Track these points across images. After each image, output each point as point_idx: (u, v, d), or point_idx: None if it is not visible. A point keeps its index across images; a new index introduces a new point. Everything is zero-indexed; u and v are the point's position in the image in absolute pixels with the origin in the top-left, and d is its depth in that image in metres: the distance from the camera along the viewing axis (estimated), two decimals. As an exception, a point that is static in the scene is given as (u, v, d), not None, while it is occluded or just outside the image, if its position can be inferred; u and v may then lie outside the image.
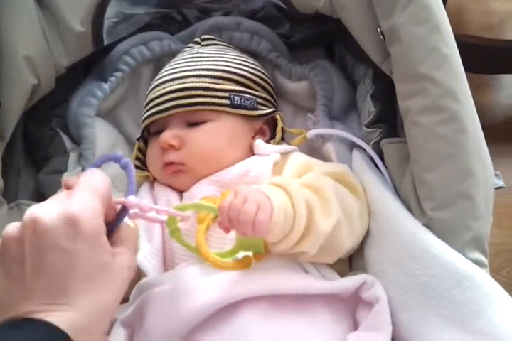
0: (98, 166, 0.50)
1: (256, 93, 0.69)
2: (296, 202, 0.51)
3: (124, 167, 0.48)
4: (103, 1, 0.68)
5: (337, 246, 0.55)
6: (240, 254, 0.53)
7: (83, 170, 0.70)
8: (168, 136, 0.63)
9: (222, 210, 0.49)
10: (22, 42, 0.64)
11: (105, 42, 0.72)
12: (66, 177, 0.64)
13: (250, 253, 0.53)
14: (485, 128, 0.52)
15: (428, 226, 0.50)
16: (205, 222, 0.56)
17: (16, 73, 0.64)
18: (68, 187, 0.43)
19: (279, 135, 0.68)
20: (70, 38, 0.68)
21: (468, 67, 0.53)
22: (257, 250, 0.53)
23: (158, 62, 0.77)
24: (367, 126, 0.64)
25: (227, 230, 0.51)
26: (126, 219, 0.45)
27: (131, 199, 0.44)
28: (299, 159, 0.64)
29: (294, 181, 0.57)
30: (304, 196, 0.52)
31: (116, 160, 0.49)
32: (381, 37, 0.57)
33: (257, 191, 0.51)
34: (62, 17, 0.67)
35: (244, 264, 0.52)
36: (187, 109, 0.65)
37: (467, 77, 0.52)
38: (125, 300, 0.60)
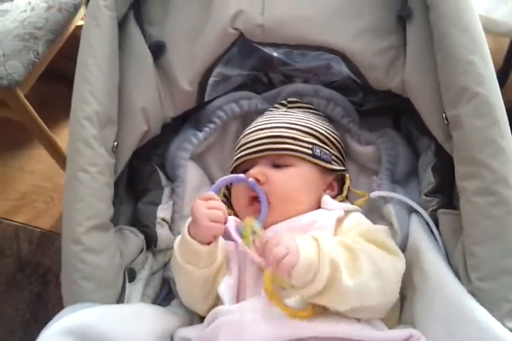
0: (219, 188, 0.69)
1: (331, 150, 0.80)
2: (322, 259, 0.56)
3: (252, 186, 0.67)
4: (210, 68, 0.81)
5: (367, 304, 0.59)
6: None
7: (174, 203, 0.82)
8: (256, 171, 0.74)
9: (260, 245, 0.58)
10: (140, 96, 0.78)
11: (206, 98, 0.85)
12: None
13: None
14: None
15: (472, 293, 0.57)
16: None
17: (133, 121, 0.77)
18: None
19: (345, 192, 0.78)
20: (178, 95, 0.82)
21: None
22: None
23: (245, 117, 0.90)
24: (426, 195, 0.72)
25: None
26: None
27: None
28: (356, 219, 0.72)
29: (334, 239, 0.63)
30: (333, 255, 0.57)
31: (240, 180, 0.68)
32: (445, 121, 0.66)
33: (291, 240, 0.57)
34: (175, 78, 0.81)
35: (308, 314, 0.60)
36: (276, 152, 0.76)
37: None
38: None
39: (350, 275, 0.57)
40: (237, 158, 0.80)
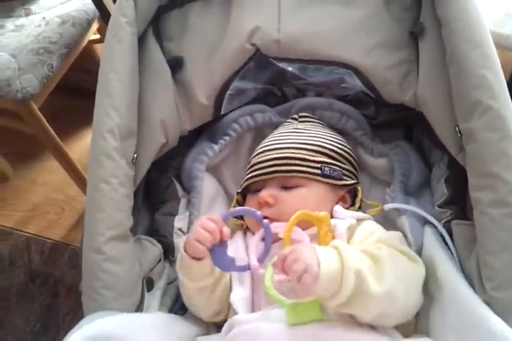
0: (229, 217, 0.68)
1: (342, 165, 0.81)
2: (346, 269, 0.55)
3: (265, 227, 0.65)
4: (228, 83, 0.83)
5: (391, 311, 0.59)
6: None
7: (190, 214, 0.84)
8: (266, 194, 0.75)
9: (277, 262, 0.57)
10: (159, 108, 0.80)
11: (222, 112, 0.87)
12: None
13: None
14: None
15: (487, 303, 0.57)
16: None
17: (152, 133, 0.79)
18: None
19: (357, 204, 0.79)
20: (195, 109, 0.84)
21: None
22: (312, 317, 0.58)
23: (259, 130, 0.92)
24: (439, 206, 0.73)
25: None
26: None
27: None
28: (369, 227, 0.72)
29: (355, 247, 0.63)
30: (357, 264, 0.57)
31: (257, 218, 0.66)
32: (458, 134, 0.67)
33: (311, 254, 0.56)
34: (193, 92, 0.83)
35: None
36: (284, 175, 0.77)
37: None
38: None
39: (376, 283, 0.57)
40: (247, 179, 0.81)
